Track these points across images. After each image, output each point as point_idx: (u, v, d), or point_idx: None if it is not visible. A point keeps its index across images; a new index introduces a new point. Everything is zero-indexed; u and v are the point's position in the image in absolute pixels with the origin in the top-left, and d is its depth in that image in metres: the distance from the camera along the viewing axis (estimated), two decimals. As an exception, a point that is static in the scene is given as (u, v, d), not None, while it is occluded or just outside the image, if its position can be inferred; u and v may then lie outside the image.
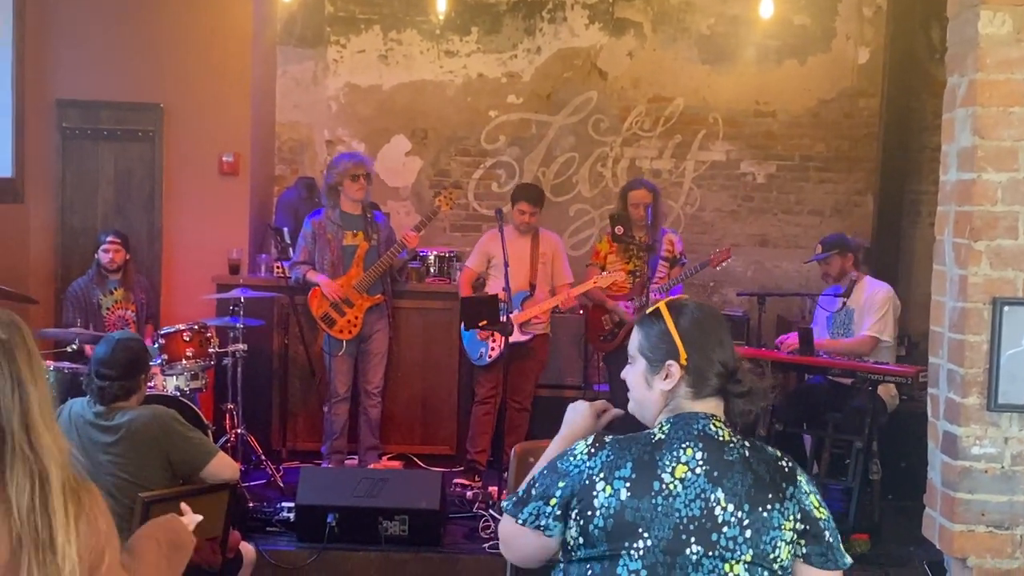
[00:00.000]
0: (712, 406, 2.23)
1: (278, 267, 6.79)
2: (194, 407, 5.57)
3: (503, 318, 5.91)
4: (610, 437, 2.22)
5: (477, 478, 6.34)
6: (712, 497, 2.11)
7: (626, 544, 2.11)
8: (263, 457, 6.30)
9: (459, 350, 6.70)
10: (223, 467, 4.00)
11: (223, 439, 6.09)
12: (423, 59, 8.30)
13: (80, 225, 7.28)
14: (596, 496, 2.13)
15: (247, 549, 4.40)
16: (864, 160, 8.32)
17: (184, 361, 5.85)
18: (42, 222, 7.24)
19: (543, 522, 2.20)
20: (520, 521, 2.23)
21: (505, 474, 4.97)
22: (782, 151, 8.35)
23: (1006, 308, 3.36)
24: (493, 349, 6.29)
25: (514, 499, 2.27)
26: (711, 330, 2.26)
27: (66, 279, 6.95)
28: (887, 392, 5.83)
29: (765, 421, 6.03)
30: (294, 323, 6.64)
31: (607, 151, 8.38)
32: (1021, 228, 3.39)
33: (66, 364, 5.64)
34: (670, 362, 2.23)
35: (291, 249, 6.56)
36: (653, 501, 2.11)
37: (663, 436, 2.19)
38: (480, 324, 5.95)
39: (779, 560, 2.12)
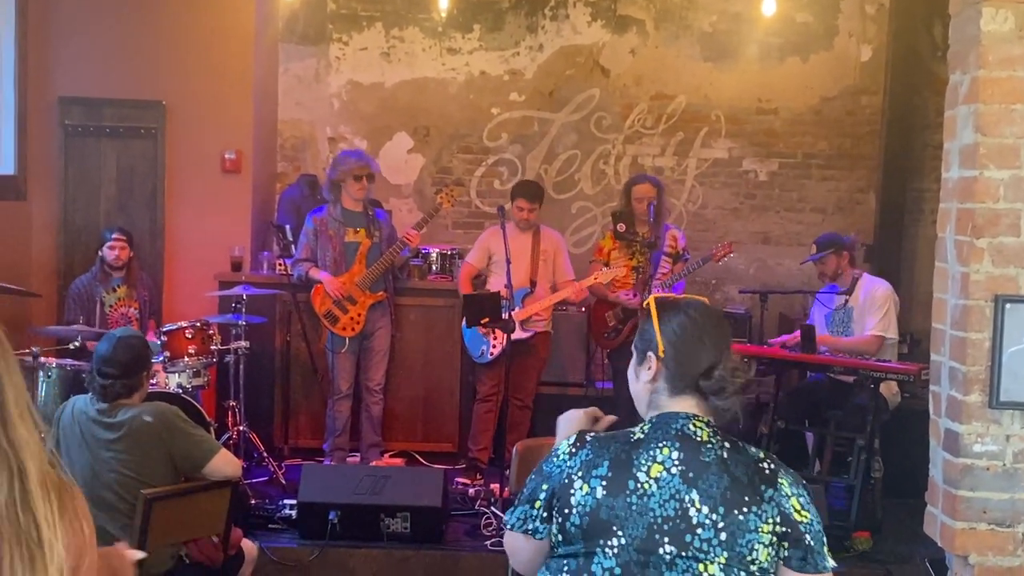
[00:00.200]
0: (691, 404, 2.22)
1: (280, 264, 6.79)
2: (196, 404, 5.58)
3: (505, 315, 5.91)
4: (591, 436, 2.24)
5: (478, 476, 6.34)
6: (687, 498, 2.10)
7: (601, 542, 2.11)
8: (265, 454, 6.31)
9: (461, 347, 6.70)
10: (225, 464, 4.00)
11: (225, 436, 6.10)
12: (425, 56, 8.30)
13: (82, 222, 7.28)
14: (573, 494, 2.15)
15: (249, 546, 4.41)
16: (866, 158, 8.32)
17: (186, 358, 5.85)
18: (45, 219, 7.24)
19: (530, 525, 2.23)
20: (509, 526, 2.27)
21: (507, 472, 4.97)
22: (784, 149, 8.35)
23: (1008, 305, 3.35)
24: (494, 347, 6.29)
25: (510, 509, 2.31)
26: (695, 326, 2.24)
27: (68, 276, 6.96)
28: (889, 390, 5.83)
29: (767, 418, 6.04)
30: (296, 320, 6.65)
31: (609, 148, 8.38)
32: (1023, 225, 3.39)
33: (68, 361, 5.65)
34: (650, 353, 2.25)
35: (293, 246, 6.56)
36: (628, 500, 2.11)
37: (642, 435, 2.19)
38: (482, 321, 5.95)
39: (757, 562, 2.09)
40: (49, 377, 5.50)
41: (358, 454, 6.57)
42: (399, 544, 5.22)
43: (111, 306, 6.44)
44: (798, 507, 2.13)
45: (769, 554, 2.10)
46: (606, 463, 2.15)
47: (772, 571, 2.12)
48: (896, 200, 8.13)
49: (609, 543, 2.11)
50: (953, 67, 3.60)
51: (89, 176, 7.31)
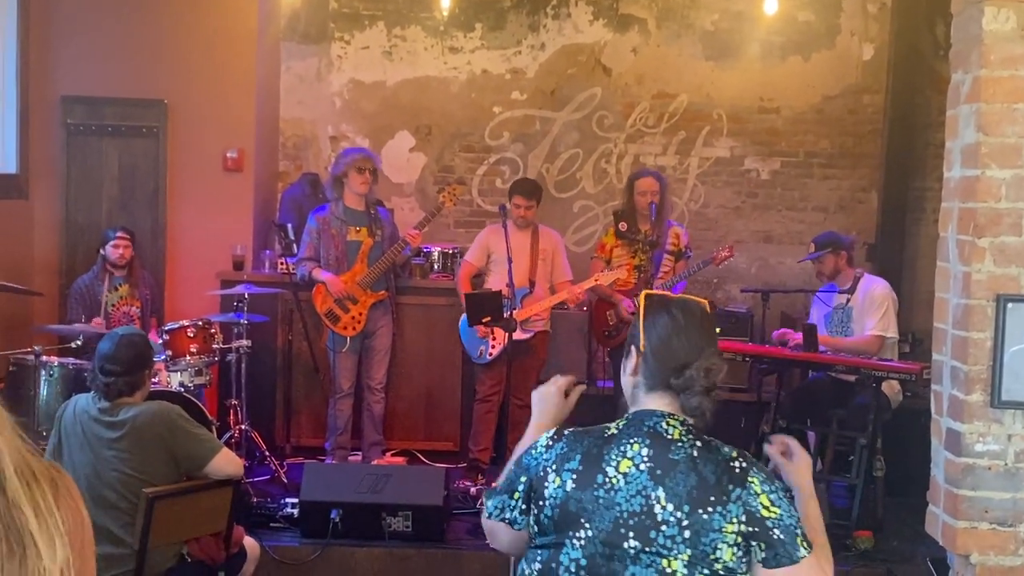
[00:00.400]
0: (667, 402, 2.25)
1: (282, 263, 6.79)
2: (198, 403, 5.59)
3: (507, 314, 5.90)
4: (569, 430, 2.29)
5: (480, 477, 6.33)
6: (653, 495, 2.14)
7: (570, 533, 2.17)
8: (267, 453, 6.31)
9: (463, 346, 6.70)
10: (227, 463, 4.00)
11: (227, 435, 6.10)
12: (427, 55, 8.30)
13: (84, 221, 7.28)
14: (547, 487, 2.21)
15: (251, 545, 4.41)
16: (868, 156, 8.31)
17: (188, 357, 5.86)
18: (46, 218, 7.25)
19: (508, 515, 2.30)
20: (487, 514, 2.33)
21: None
22: (786, 147, 8.34)
23: (1010, 305, 3.35)
24: (494, 347, 6.28)
25: (489, 493, 2.36)
26: (675, 325, 2.27)
27: (70, 275, 6.96)
28: (891, 389, 5.83)
29: (769, 417, 6.04)
30: (298, 319, 6.65)
31: (611, 147, 8.38)
32: (1025, 225, 3.39)
33: (70, 360, 5.66)
34: (633, 347, 2.31)
35: (295, 245, 6.56)
36: (595, 494, 2.16)
37: (616, 431, 2.24)
38: (484, 320, 5.94)
39: (721, 561, 2.12)
40: (51, 376, 5.50)
41: (360, 453, 6.57)
42: (401, 543, 5.23)
43: (114, 305, 6.44)
44: (768, 504, 2.15)
45: (734, 554, 2.12)
46: (578, 457, 2.20)
47: (739, 572, 2.14)
48: (898, 199, 8.13)
49: (577, 535, 2.16)
50: (955, 66, 3.59)
51: (91, 175, 7.31)
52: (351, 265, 6.32)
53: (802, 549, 2.15)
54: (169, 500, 3.82)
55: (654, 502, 2.13)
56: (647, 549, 2.12)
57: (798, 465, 2.45)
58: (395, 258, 6.35)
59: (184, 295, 7.20)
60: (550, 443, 2.27)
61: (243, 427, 6.18)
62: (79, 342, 5.79)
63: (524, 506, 2.27)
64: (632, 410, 2.28)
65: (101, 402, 3.95)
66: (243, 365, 6.21)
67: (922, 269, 7.78)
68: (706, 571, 2.11)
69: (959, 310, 3.46)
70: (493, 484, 2.44)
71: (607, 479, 2.16)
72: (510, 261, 5.96)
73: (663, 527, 2.12)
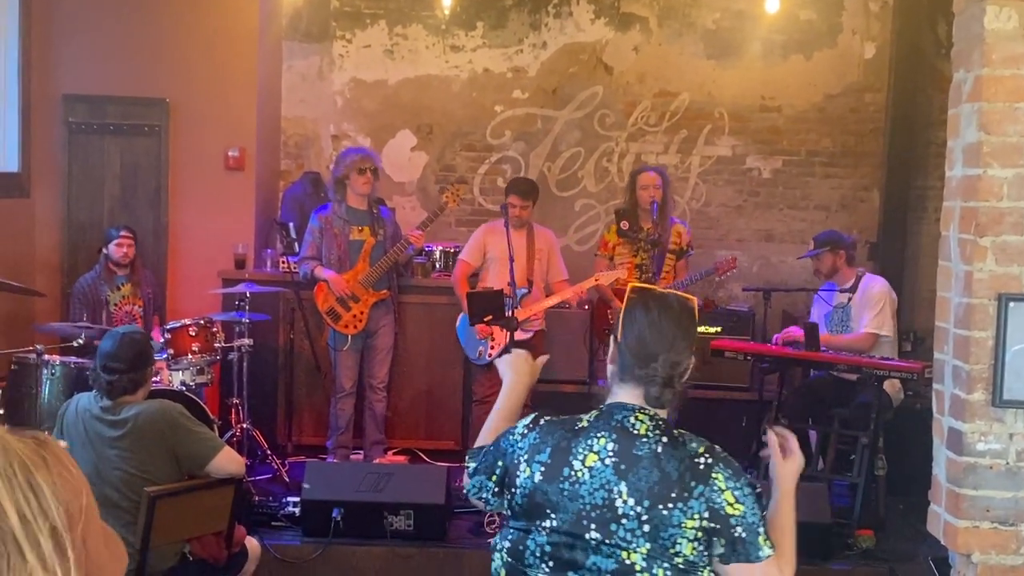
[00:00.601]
0: (637, 395, 2.30)
1: (283, 262, 6.79)
2: (200, 402, 5.59)
3: (509, 312, 5.88)
4: (545, 419, 2.37)
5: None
6: (615, 489, 2.19)
7: (537, 522, 2.26)
8: (268, 452, 6.31)
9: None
10: (229, 462, 4.01)
11: (229, 434, 6.10)
12: (428, 54, 8.30)
13: (86, 220, 7.29)
14: (518, 476, 2.30)
15: (252, 544, 4.42)
16: (870, 155, 8.31)
17: (190, 356, 5.86)
18: (48, 217, 7.26)
19: (484, 495, 2.42)
20: (466, 491, 2.46)
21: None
22: (788, 146, 8.34)
23: (1011, 304, 3.35)
24: (492, 348, 6.27)
25: (471, 465, 2.46)
26: (649, 318, 2.32)
27: (72, 274, 6.96)
28: (892, 387, 5.83)
29: (770, 416, 6.04)
30: (300, 318, 6.65)
31: (612, 146, 8.37)
32: (1027, 224, 3.38)
33: (72, 359, 5.66)
34: (612, 336, 2.38)
35: (296, 244, 6.56)
36: (561, 486, 2.23)
37: (586, 424, 2.30)
38: (486, 319, 5.92)
39: (682, 555, 2.16)
40: (53, 375, 5.50)
41: (361, 452, 6.57)
42: (402, 541, 5.23)
43: (116, 304, 6.45)
44: (732, 500, 2.18)
45: (695, 548, 2.16)
46: (548, 450, 2.28)
47: (701, 565, 2.18)
48: (900, 198, 8.12)
49: (543, 524, 2.25)
50: (957, 65, 3.59)
51: (93, 174, 7.32)
52: (353, 264, 6.32)
53: (765, 548, 2.18)
54: (171, 499, 3.82)
55: (616, 496, 2.18)
56: (607, 541, 2.18)
57: (789, 466, 2.46)
58: (397, 257, 6.35)
59: (186, 294, 7.21)
60: (526, 431, 2.34)
61: (244, 426, 6.18)
62: (81, 341, 5.79)
63: (498, 489, 2.37)
64: (607, 401, 2.34)
65: (103, 401, 3.96)
66: (245, 364, 6.21)
67: (924, 268, 7.78)
68: (665, 565, 2.16)
69: (961, 309, 3.46)
70: (475, 445, 2.54)
71: (573, 472, 2.23)
72: (512, 260, 5.95)
73: (623, 520, 2.17)
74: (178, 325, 5.92)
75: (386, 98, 8.33)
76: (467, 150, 8.40)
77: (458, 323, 6.48)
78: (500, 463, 2.36)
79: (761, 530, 2.19)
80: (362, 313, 6.32)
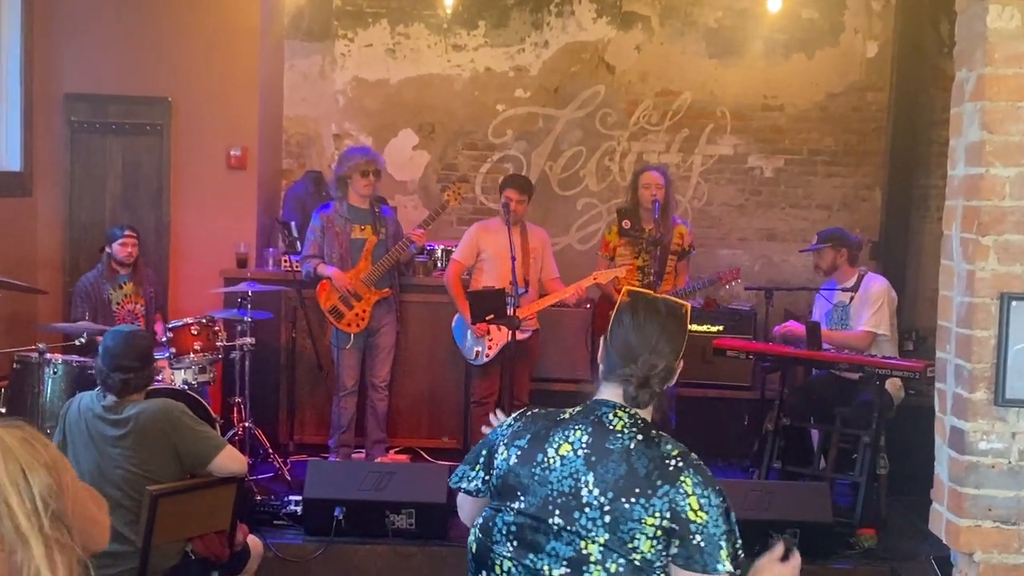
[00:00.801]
0: (620, 393, 2.36)
1: (285, 260, 6.80)
2: (202, 401, 5.60)
3: (510, 311, 5.87)
4: (532, 411, 2.45)
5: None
6: (583, 479, 2.25)
7: (507, 503, 2.32)
8: (270, 450, 6.32)
9: (462, 345, 6.70)
10: (231, 460, 4.01)
11: (231, 433, 6.10)
12: (430, 53, 8.30)
13: (88, 219, 7.30)
14: (497, 458, 2.37)
15: (254, 542, 4.42)
16: (872, 154, 8.30)
17: (192, 355, 5.87)
18: (50, 216, 7.26)
19: (467, 485, 2.44)
20: (452, 483, 2.49)
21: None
22: (790, 145, 8.33)
23: (1014, 303, 3.35)
24: (490, 348, 6.26)
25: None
26: (635, 321, 2.37)
27: (74, 272, 6.97)
28: (894, 386, 5.83)
29: (772, 415, 6.03)
30: (302, 317, 6.65)
31: (614, 145, 8.37)
32: (1029, 223, 3.38)
33: (74, 357, 5.66)
34: (603, 336, 2.43)
35: (298, 243, 6.56)
36: (533, 470, 2.30)
37: (568, 416, 2.38)
38: (488, 319, 5.92)
39: (639, 551, 2.18)
40: (55, 374, 5.51)
41: (363, 450, 6.58)
42: (404, 540, 5.23)
43: (118, 303, 6.45)
44: (696, 507, 2.19)
45: (653, 546, 2.18)
46: (528, 436, 2.35)
47: (658, 564, 2.19)
48: (902, 196, 8.12)
49: (512, 504, 2.31)
50: (959, 64, 3.59)
51: (95, 172, 7.32)
52: (355, 263, 6.32)
53: (725, 563, 2.17)
54: (173, 497, 3.83)
55: (582, 485, 2.24)
56: (568, 528, 2.23)
57: (779, 568, 2.39)
58: (399, 256, 6.35)
59: (188, 292, 7.21)
60: (512, 422, 2.43)
61: (247, 424, 6.18)
62: (83, 340, 5.79)
63: (484, 475, 2.41)
64: (594, 397, 2.40)
65: (105, 400, 3.96)
66: (247, 363, 6.21)
67: (926, 267, 7.78)
68: (621, 560, 2.18)
69: (963, 308, 3.46)
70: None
71: (546, 459, 2.30)
72: (514, 259, 5.95)
73: (586, 509, 2.22)
74: (180, 324, 5.93)
75: (388, 97, 8.33)
76: (469, 149, 8.41)
77: (453, 323, 6.47)
78: (484, 451, 2.43)
79: (723, 544, 2.18)
80: (364, 311, 6.32)
